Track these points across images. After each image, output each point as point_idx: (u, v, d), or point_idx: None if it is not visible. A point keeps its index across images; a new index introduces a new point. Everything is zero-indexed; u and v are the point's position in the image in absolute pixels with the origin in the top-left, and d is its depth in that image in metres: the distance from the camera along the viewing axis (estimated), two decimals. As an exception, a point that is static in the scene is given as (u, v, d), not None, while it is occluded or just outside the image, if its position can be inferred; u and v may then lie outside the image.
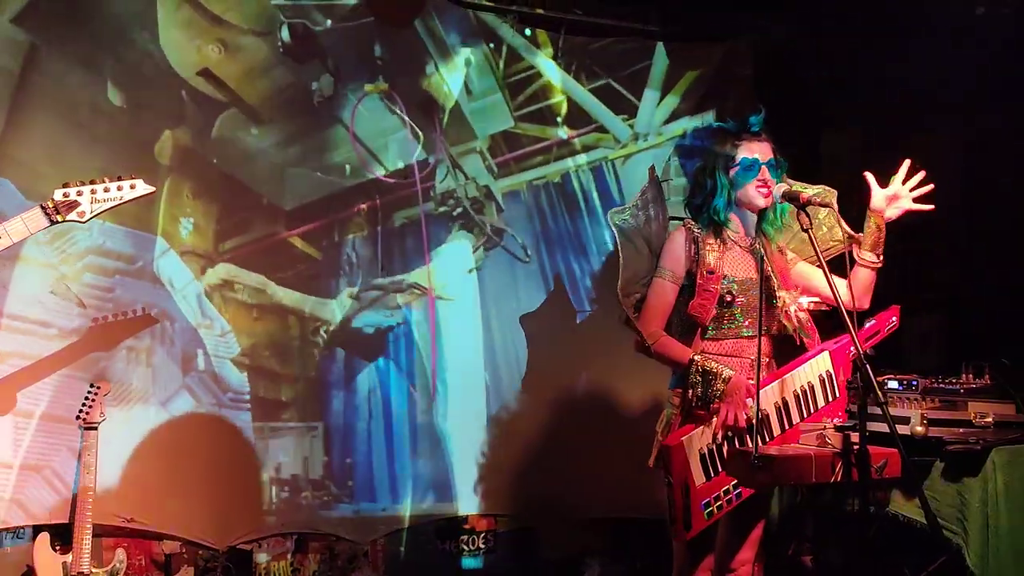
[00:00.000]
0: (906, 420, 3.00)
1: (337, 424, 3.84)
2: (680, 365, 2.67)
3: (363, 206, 3.92)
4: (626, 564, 4.19)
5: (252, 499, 3.67)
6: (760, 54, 4.43)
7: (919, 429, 2.96)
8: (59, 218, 2.64)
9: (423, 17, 4.02)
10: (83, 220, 2.66)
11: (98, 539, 3.29)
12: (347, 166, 3.90)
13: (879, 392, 2.24)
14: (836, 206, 2.58)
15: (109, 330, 3.35)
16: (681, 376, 2.68)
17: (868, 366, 2.24)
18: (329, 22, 3.83)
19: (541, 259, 4.27)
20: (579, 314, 4.31)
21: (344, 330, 3.89)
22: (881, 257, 2.69)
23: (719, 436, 2.60)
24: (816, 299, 2.76)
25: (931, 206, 2.68)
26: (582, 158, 4.34)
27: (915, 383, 3.10)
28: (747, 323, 2.70)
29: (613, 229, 2.75)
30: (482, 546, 4.09)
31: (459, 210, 4.11)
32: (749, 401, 2.58)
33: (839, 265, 2.54)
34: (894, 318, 2.81)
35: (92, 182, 2.66)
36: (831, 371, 2.70)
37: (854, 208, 2.77)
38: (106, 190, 2.66)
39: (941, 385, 3.11)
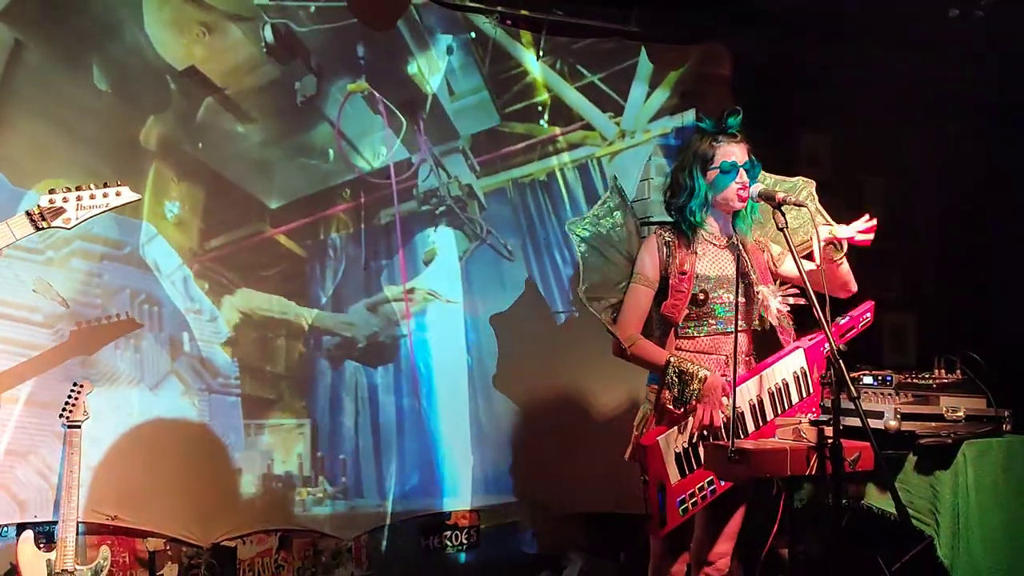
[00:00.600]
0: (880, 415, 3.06)
1: (322, 421, 3.86)
2: (657, 367, 2.72)
3: (348, 204, 3.94)
4: (609, 559, 4.23)
5: (236, 496, 3.68)
6: (737, 56, 4.49)
7: (892, 423, 3.03)
8: (44, 224, 2.66)
9: (405, 16, 4.04)
10: (68, 227, 2.68)
11: (82, 536, 3.29)
12: (332, 164, 3.92)
13: (852, 387, 2.30)
14: (816, 195, 2.62)
15: (93, 334, 3.36)
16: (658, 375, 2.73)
17: (841, 362, 2.30)
18: (312, 23, 3.85)
19: (527, 257, 4.30)
20: (563, 313, 4.36)
21: (331, 330, 3.91)
22: (843, 246, 2.72)
23: (695, 436, 2.65)
24: (796, 291, 2.80)
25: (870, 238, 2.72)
26: (567, 156, 4.37)
27: (889, 378, 3.16)
28: (724, 319, 2.74)
29: (572, 238, 2.81)
30: (465, 542, 4.12)
31: (442, 208, 4.14)
32: (725, 399, 2.63)
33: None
34: (868, 313, 2.87)
35: (78, 188, 2.68)
36: (805, 368, 2.75)
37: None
38: (92, 197, 2.68)
39: (914, 380, 3.18)
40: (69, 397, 3.23)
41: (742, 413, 2.66)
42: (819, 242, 2.61)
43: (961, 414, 3.08)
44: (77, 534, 3.14)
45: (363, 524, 3.90)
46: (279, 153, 3.81)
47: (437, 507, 4.07)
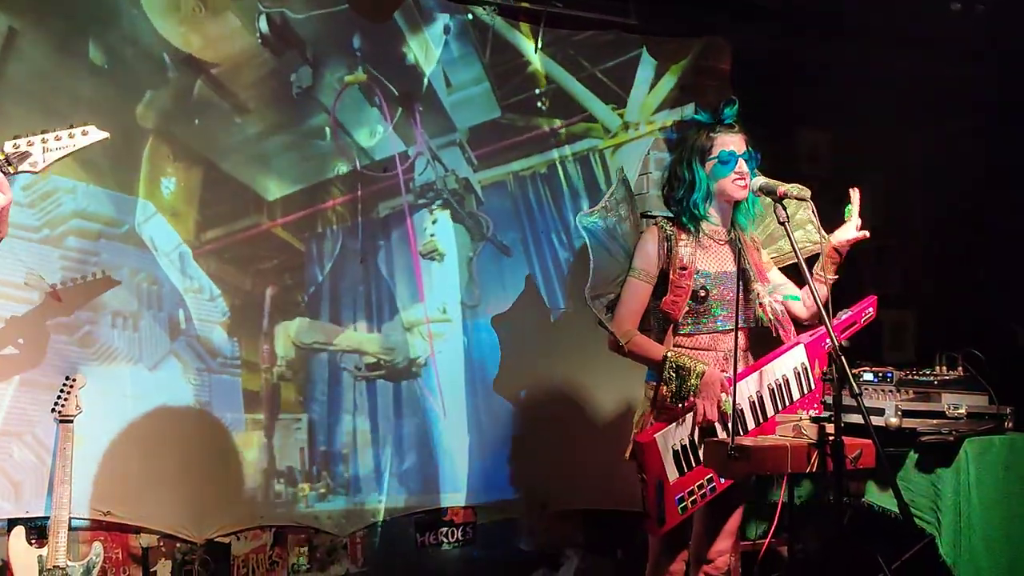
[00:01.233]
0: (881, 411, 3.05)
1: (318, 417, 3.83)
2: (654, 363, 2.68)
3: (344, 197, 3.91)
4: (606, 556, 4.22)
5: (230, 492, 3.65)
6: (737, 52, 4.48)
7: (893, 420, 3.01)
8: (10, 169, 2.52)
9: (402, 8, 4.01)
10: (36, 170, 2.52)
11: (74, 532, 3.25)
12: (328, 156, 3.88)
13: (854, 383, 2.27)
14: (812, 204, 2.60)
15: (67, 295, 3.30)
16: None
17: (843, 358, 2.27)
18: (307, 12, 3.81)
19: (527, 252, 4.27)
20: (561, 310, 4.33)
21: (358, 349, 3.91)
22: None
23: (694, 432, 2.62)
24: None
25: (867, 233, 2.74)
26: (568, 148, 4.34)
27: (890, 375, 3.15)
28: (723, 316, 2.72)
29: (583, 232, 2.77)
30: (461, 538, 4.09)
31: (439, 202, 4.11)
32: (724, 396, 2.60)
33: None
34: (871, 309, 2.84)
35: (43, 131, 2.57)
36: (806, 364, 2.73)
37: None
38: (57, 138, 2.53)
39: (915, 377, 3.17)
40: (61, 392, 3.19)
41: (742, 410, 2.63)
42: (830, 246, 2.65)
43: (963, 411, 3.07)
44: (69, 529, 3.11)
45: (358, 520, 3.87)
46: (276, 144, 3.78)
47: (433, 503, 4.04)
